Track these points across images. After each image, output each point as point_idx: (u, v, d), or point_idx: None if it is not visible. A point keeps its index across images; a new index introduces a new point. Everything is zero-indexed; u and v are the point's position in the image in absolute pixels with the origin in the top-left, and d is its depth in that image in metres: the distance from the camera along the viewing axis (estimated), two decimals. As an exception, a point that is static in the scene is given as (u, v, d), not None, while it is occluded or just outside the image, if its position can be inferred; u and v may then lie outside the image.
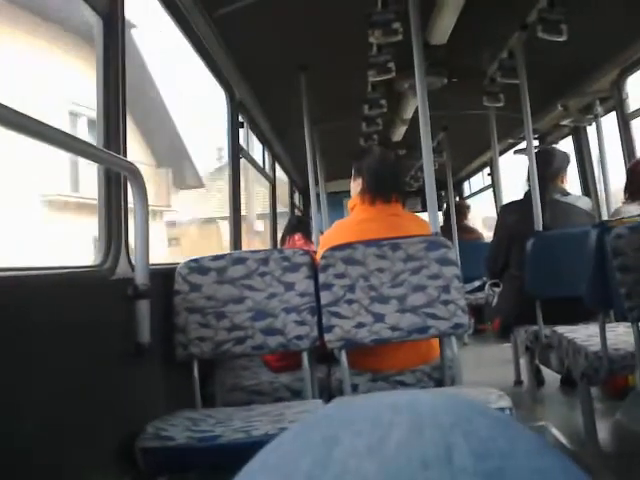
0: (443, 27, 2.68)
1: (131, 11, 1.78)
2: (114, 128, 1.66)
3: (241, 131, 3.23)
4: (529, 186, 3.22)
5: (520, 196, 3.23)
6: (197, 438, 1.47)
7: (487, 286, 3.76)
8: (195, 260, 2.02)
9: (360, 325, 1.95)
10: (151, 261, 1.71)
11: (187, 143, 16.29)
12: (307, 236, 3.74)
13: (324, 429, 0.29)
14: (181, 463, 1.49)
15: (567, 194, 3.10)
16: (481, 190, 6.69)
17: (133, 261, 1.69)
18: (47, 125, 1.12)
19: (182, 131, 15.91)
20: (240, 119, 3.21)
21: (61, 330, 1.30)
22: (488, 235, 5.69)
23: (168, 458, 1.47)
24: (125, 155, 1.68)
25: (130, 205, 1.69)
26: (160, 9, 2.13)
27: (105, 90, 1.65)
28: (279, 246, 4.13)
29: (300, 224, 3.92)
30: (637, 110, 3.35)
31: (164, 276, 1.97)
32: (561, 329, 2.52)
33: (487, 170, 6.10)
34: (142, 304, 1.63)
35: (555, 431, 2.60)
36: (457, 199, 6.96)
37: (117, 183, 1.67)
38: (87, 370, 1.40)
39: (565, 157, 3.23)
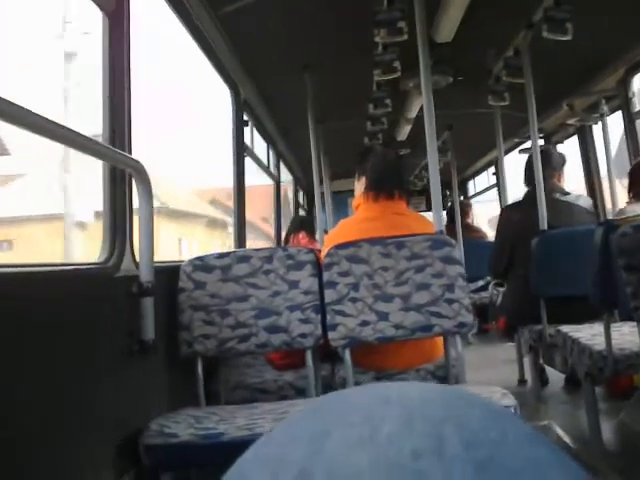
0: (448, 25, 2.68)
1: (136, 8, 1.78)
2: (120, 125, 1.67)
3: (246, 130, 3.23)
4: (527, 186, 3.24)
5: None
6: (200, 435, 1.47)
7: (491, 286, 3.76)
8: (200, 258, 2.02)
9: (364, 323, 1.95)
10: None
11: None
12: (311, 235, 3.75)
13: (316, 422, 0.29)
14: (184, 460, 1.49)
15: (566, 193, 3.11)
16: (486, 189, 6.68)
17: (138, 258, 1.69)
18: (51, 121, 1.12)
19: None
20: (245, 118, 3.21)
21: (65, 326, 1.30)
22: (493, 235, 5.68)
23: (171, 455, 1.47)
24: (130, 152, 1.69)
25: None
26: (166, 7, 2.14)
27: (111, 87, 1.65)
28: (283, 245, 4.14)
29: (304, 223, 3.92)
30: None
31: (169, 273, 1.97)
32: (565, 328, 2.51)
33: (492, 169, 6.08)
34: (146, 301, 1.63)
35: (559, 430, 2.60)
36: (462, 198, 6.96)
37: (122, 180, 1.67)
38: (91, 367, 1.41)
39: (561, 157, 3.26)
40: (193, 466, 1.55)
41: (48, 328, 1.23)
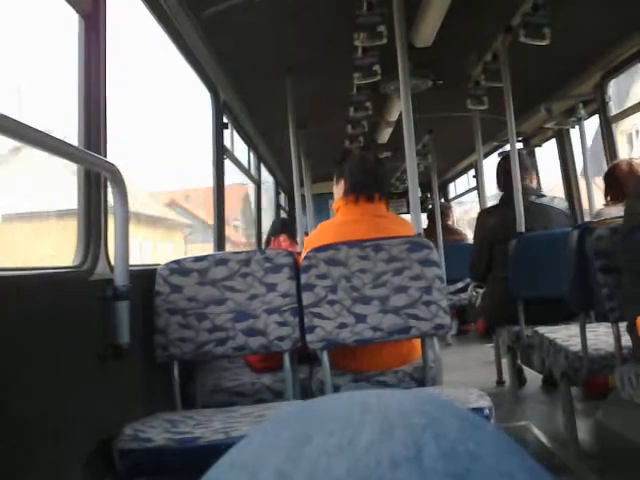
0: (428, 30, 2.70)
1: (113, 10, 1.76)
2: (95, 128, 1.65)
3: (226, 132, 3.22)
4: (500, 190, 3.28)
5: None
6: (176, 440, 1.46)
7: (470, 287, 3.79)
8: (176, 261, 2.01)
9: (342, 326, 1.95)
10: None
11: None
12: (292, 237, 3.75)
13: (294, 428, 0.29)
14: (159, 465, 1.48)
15: (541, 195, 3.15)
16: (466, 192, 6.73)
17: (113, 262, 1.68)
18: (24, 124, 1.11)
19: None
20: (225, 120, 3.20)
21: (38, 331, 1.29)
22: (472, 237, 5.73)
23: (146, 460, 1.46)
24: (105, 155, 1.67)
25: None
26: (143, 9, 2.12)
27: (86, 90, 1.64)
28: (264, 247, 4.13)
29: (285, 225, 3.92)
30: (619, 113, 3.39)
31: (144, 277, 1.96)
32: (542, 329, 2.54)
33: (472, 172, 6.14)
34: (122, 305, 1.62)
35: (536, 431, 2.62)
36: (442, 201, 7.01)
37: (97, 183, 1.66)
38: (64, 371, 1.39)
39: (529, 158, 3.31)
40: (168, 471, 1.54)
41: (20, 333, 1.22)
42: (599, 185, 3.19)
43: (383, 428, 0.27)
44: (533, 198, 3.10)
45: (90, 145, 1.63)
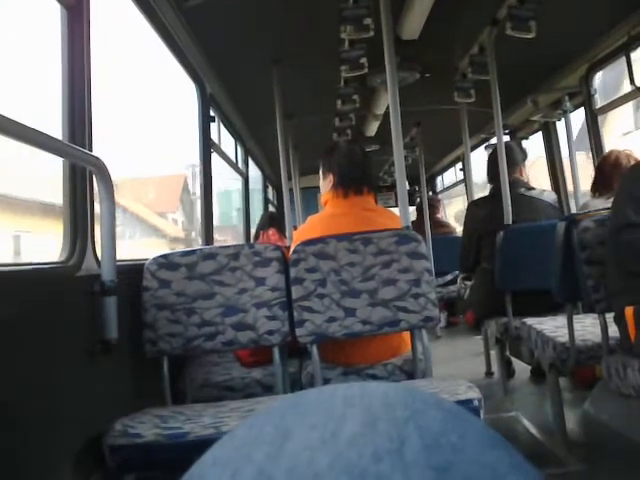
0: (414, 23, 2.69)
1: (97, 3, 1.74)
2: (80, 121, 1.63)
3: (213, 125, 3.20)
4: (490, 183, 3.28)
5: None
6: (165, 435, 1.45)
7: (459, 279, 3.81)
8: (164, 256, 2.00)
9: (331, 319, 1.95)
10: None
11: None
12: (281, 231, 3.74)
13: (277, 422, 0.29)
14: (149, 460, 1.47)
15: (531, 188, 3.16)
16: (454, 185, 6.75)
17: (100, 257, 1.66)
18: (6, 118, 1.09)
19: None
20: (211, 113, 3.18)
21: (25, 327, 1.27)
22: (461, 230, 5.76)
23: (136, 455, 1.46)
24: (91, 149, 1.66)
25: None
26: (128, 1, 2.10)
27: (70, 82, 1.62)
28: (253, 241, 4.12)
29: (274, 219, 3.91)
30: (605, 105, 3.41)
31: (132, 272, 1.94)
32: (530, 321, 2.55)
33: (460, 165, 6.15)
34: (109, 300, 1.61)
35: (525, 421, 2.65)
36: (430, 194, 7.03)
37: (82, 178, 1.64)
38: (53, 367, 1.38)
39: (520, 150, 3.30)
40: (158, 466, 1.53)
41: (7, 329, 1.20)
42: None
43: (366, 421, 0.27)
44: (522, 190, 3.11)
45: (75, 139, 1.61)
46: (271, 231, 3.69)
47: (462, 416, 0.29)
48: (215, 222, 3.08)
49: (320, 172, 2.37)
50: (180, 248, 2.23)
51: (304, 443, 0.26)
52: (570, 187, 4.04)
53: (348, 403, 0.29)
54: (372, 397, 0.29)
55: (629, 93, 3.08)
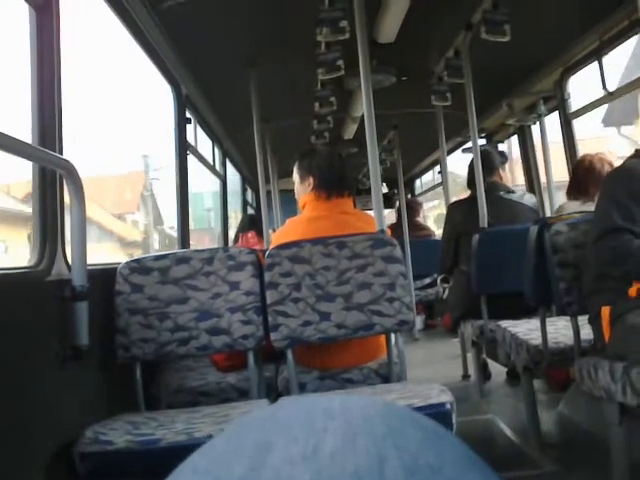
0: (390, 26, 2.70)
1: (67, 3, 1.72)
2: (49, 124, 1.61)
3: (189, 127, 3.17)
4: (469, 188, 3.31)
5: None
6: (137, 442, 1.43)
7: (439, 281, 3.83)
8: (137, 260, 1.97)
9: (306, 323, 1.94)
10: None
11: None
12: (260, 234, 3.72)
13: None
14: (120, 468, 1.45)
15: (511, 191, 3.18)
16: (432, 188, 6.79)
17: (70, 261, 1.64)
18: None
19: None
20: (188, 115, 3.15)
21: None
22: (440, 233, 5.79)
23: (107, 463, 1.43)
24: (61, 152, 1.63)
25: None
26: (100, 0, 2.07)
27: (39, 84, 1.59)
28: (231, 244, 4.10)
29: (253, 222, 3.89)
30: (578, 110, 3.46)
31: (104, 277, 1.92)
32: (504, 323, 2.57)
33: (438, 168, 6.19)
34: (80, 305, 1.58)
35: (501, 424, 2.67)
36: (409, 197, 7.06)
37: (52, 181, 1.61)
38: (22, 373, 1.36)
39: (501, 155, 3.34)
40: (130, 474, 1.51)
41: None
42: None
43: (346, 436, 0.27)
44: (502, 194, 3.14)
45: (45, 142, 1.58)
46: (250, 234, 3.67)
47: (440, 434, 0.29)
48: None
49: (295, 175, 2.36)
50: (138, 253, 2.19)
51: (285, 457, 0.26)
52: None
53: (328, 416, 0.29)
54: (352, 410, 0.29)
55: (601, 98, 3.12)
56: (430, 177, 6.90)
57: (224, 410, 1.69)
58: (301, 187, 2.34)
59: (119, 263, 1.98)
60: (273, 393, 2.07)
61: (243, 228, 3.77)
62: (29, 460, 1.36)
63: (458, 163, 5.32)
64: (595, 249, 1.77)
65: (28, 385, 1.38)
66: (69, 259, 1.64)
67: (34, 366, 1.42)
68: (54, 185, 1.62)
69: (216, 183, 4.64)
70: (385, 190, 7.15)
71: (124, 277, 1.93)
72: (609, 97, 3.04)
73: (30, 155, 1.44)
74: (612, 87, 3.02)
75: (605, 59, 3.00)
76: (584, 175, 2.94)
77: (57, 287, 1.56)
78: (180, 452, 0.28)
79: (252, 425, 0.30)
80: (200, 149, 3.53)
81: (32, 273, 1.53)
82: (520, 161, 4.50)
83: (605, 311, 1.73)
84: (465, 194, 3.53)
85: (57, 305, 1.55)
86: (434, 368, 3.85)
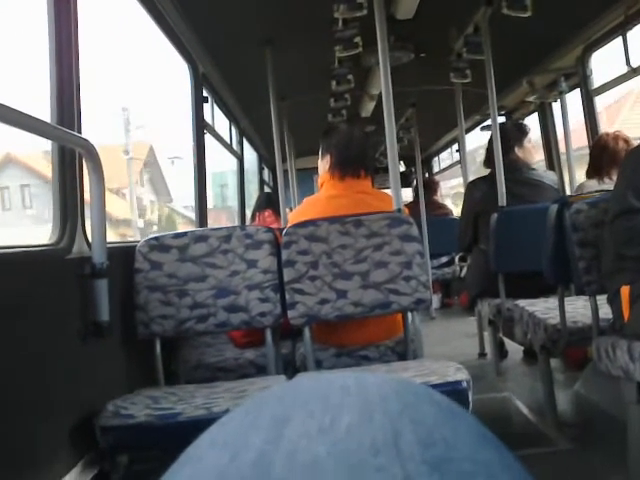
0: (409, 1, 2.66)
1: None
2: (68, 103, 1.62)
3: (206, 106, 3.17)
4: (486, 167, 3.25)
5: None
6: (157, 416, 1.46)
7: (457, 259, 3.81)
8: (156, 238, 2.00)
9: (323, 301, 1.95)
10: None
11: None
12: (277, 213, 3.73)
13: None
14: (141, 441, 1.49)
15: (532, 169, 3.12)
16: (450, 166, 6.73)
17: (90, 239, 1.66)
18: None
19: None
20: (204, 94, 3.15)
21: (16, 310, 1.28)
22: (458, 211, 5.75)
23: (128, 436, 1.47)
24: (80, 131, 1.64)
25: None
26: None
27: (58, 63, 1.60)
28: (248, 223, 4.11)
29: (270, 201, 3.89)
30: (601, 86, 3.39)
31: (123, 254, 1.94)
32: (522, 302, 2.56)
33: (456, 146, 6.13)
34: (100, 283, 1.61)
35: (517, 402, 2.67)
36: (427, 175, 7.01)
37: (72, 160, 1.63)
38: (45, 350, 1.39)
39: (519, 130, 3.20)
40: (150, 447, 1.55)
41: None
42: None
43: (362, 411, 0.27)
44: (523, 171, 3.08)
45: (63, 121, 1.59)
46: (267, 212, 3.67)
47: (454, 411, 0.29)
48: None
49: (320, 153, 2.36)
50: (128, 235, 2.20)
51: (302, 430, 0.26)
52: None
53: (345, 392, 0.29)
54: (368, 387, 0.30)
55: (625, 74, 3.06)
56: (447, 155, 6.84)
57: (242, 385, 1.72)
58: (321, 164, 2.34)
59: (138, 241, 2.00)
60: (290, 369, 2.10)
61: (260, 207, 3.77)
62: (52, 433, 1.40)
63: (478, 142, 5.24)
64: (611, 229, 1.76)
65: (50, 361, 1.41)
66: (89, 237, 1.67)
67: (56, 342, 1.45)
68: (73, 164, 1.63)
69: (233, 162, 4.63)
70: (402, 168, 7.11)
71: (143, 255, 1.95)
72: (632, 73, 2.98)
73: (50, 134, 1.45)
74: (636, 63, 2.96)
75: (629, 34, 2.93)
76: (599, 154, 2.91)
77: (78, 264, 1.59)
78: (199, 426, 0.29)
79: (270, 400, 0.30)
80: (217, 128, 3.53)
81: (53, 251, 1.56)
82: (537, 142, 4.42)
83: (624, 290, 1.72)
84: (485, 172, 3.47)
85: (78, 282, 1.58)
86: (450, 346, 3.86)
